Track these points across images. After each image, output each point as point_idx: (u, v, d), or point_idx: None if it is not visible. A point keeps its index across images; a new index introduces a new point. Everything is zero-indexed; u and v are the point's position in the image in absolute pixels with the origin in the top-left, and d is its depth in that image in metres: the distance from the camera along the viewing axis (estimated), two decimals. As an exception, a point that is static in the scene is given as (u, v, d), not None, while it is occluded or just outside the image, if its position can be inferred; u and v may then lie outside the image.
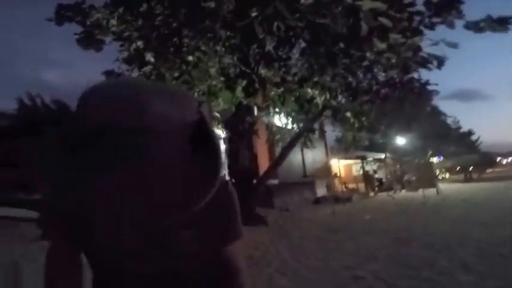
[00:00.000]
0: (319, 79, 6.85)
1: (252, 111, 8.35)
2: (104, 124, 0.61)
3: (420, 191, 14.42)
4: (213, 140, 0.71)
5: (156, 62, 6.60)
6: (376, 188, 18.21)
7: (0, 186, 6.90)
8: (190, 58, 6.58)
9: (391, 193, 16.17)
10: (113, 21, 7.24)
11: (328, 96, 7.48)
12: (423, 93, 10.84)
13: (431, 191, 11.96)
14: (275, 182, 11.94)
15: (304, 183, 14.65)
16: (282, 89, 7.40)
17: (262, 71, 7.53)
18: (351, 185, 18.23)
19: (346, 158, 19.44)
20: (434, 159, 23.03)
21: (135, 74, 7.20)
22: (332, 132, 12.32)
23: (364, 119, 10.39)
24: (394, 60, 6.89)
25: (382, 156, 20.69)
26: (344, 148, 12.60)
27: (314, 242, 6.16)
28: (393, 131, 18.53)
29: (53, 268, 0.79)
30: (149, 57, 6.55)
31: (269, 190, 11.25)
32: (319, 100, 7.69)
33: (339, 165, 19.70)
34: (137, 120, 0.61)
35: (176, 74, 6.74)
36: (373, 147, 22.63)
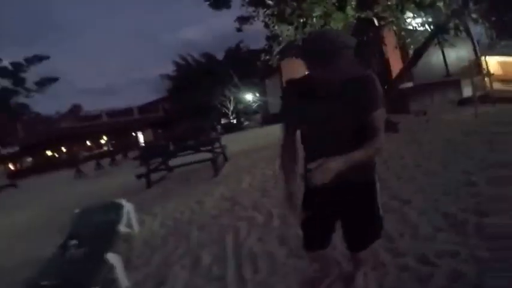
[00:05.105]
0: None
1: (372, 22, 8.23)
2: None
3: None
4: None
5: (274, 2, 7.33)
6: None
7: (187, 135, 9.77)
8: None
9: None
10: None
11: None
12: None
13: None
14: (410, 84, 11.50)
15: (447, 83, 13.39)
16: None
17: None
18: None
19: (503, 55, 16.11)
20: None
21: (260, 14, 8.28)
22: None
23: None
24: None
25: None
26: (488, 45, 10.66)
27: (443, 145, 6.28)
28: None
29: (286, 146, 1.90)
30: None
31: (403, 94, 11.02)
32: (441, 4, 6.90)
33: (493, 63, 16.60)
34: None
35: (290, 10, 7.42)
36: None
